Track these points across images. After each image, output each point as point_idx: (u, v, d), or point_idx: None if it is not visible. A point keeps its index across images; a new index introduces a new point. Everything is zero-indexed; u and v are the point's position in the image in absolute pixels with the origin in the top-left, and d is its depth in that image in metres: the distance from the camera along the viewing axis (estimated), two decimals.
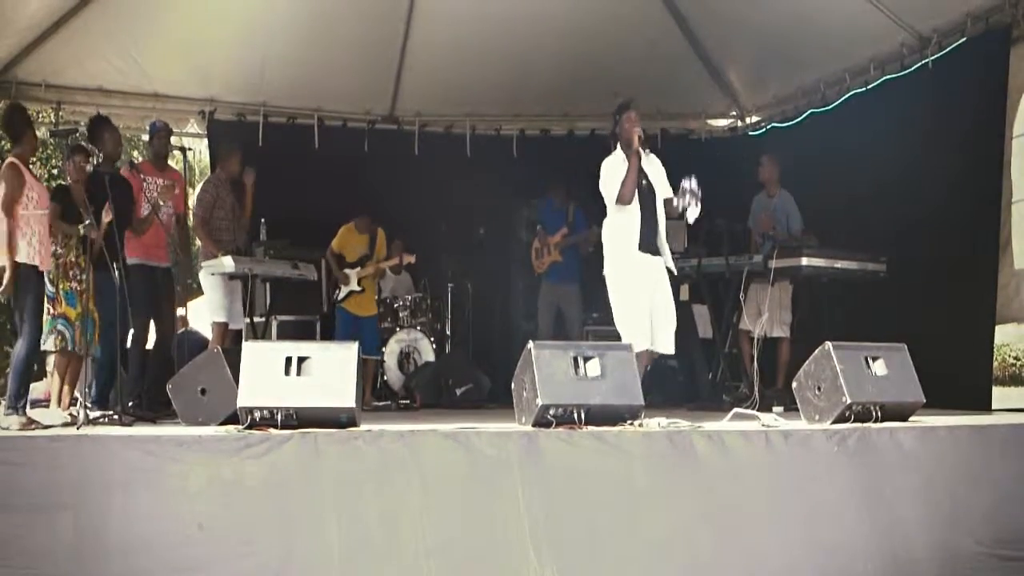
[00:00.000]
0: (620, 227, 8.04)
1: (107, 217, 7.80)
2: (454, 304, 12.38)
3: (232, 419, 6.29)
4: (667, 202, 8.12)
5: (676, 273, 8.28)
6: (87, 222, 7.49)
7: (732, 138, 13.36)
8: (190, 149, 9.35)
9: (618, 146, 8.23)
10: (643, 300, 7.95)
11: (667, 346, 8.03)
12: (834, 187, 10.61)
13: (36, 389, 8.64)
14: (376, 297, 11.21)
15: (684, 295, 10.35)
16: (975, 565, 6.33)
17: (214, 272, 9.33)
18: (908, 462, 6.37)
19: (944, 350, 8.78)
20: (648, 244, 8.02)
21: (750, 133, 13.11)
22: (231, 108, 12.38)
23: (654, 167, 8.23)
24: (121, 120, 11.49)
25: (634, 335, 7.81)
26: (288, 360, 6.21)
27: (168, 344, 8.94)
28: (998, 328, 9.52)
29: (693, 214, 7.80)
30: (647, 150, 8.22)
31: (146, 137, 10.34)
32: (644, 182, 8.07)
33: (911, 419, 6.92)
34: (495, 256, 12.25)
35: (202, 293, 9.77)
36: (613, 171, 8.06)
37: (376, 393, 11.16)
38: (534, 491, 5.82)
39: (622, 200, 7.95)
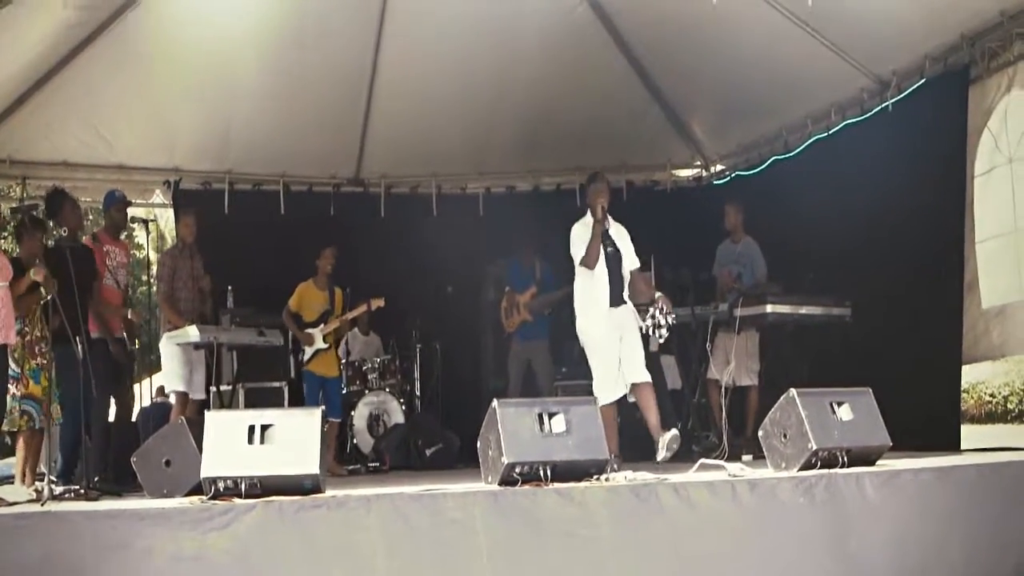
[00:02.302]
0: (589, 287, 8.47)
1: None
2: (423, 364, 12.36)
3: (197, 490, 6.22)
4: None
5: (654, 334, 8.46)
6: (47, 298, 7.49)
7: (697, 187, 13.44)
8: (153, 220, 9.36)
9: (588, 212, 8.60)
10: (613, 350, 8.33)
11: (640, 375, 8.34)
12: (799, 232, 10.66)
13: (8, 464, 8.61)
14: (342, 359, 11.17)
15: (653, 346, 10.36)
16: None
17: (179, 342, 9.30)
18: (875, 509, 6.34)
19: (912, 391, 8.84)
20: (616, 300, 8.44)
21: (715, 182, 13.19)
22: (196, 177, 12.43)
23: (620, 233, 8.66)
24: (87, 192, 11.54)
25: (607, 384, 8.26)
26: (251, 428, 6.18)
27: (129, 416, 8.90)
28: (972, 367, 9.57)
29: (655, 341, 8.44)
30: (611, 219, 8.61)
31: None
32: (610, 249, 8.50)
33: (878, 463, 6.91)
34: (463, 315, 12.24)
35: None
36: (579, 236, 8.53)
37: (346, 457, 11.09)
38: (499, 553, 5.78)
39: (587, 264, 8.42)
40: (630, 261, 8.59)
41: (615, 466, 7.63)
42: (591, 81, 11.66)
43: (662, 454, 8.04)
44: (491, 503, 5.94)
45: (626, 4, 10.70)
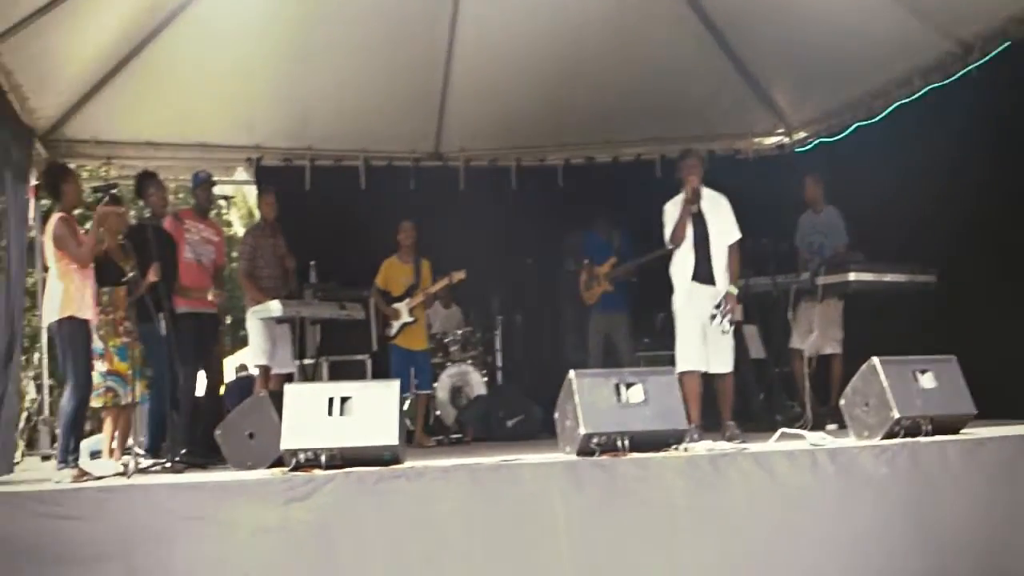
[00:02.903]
0: (677, 263, 8.57)
1: (152, 277, 7.91)
2: (504, 336, 12.41)
3: (280, 462, 6.32)
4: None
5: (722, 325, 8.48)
6: (130, 275, 7.62)
7: (780, 155, 13.26)
8: (232, 198, 9.45)
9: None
10: (696, 323, 8.36)
11: (722, 366, 8.40)
12: (883, 198, 10.50)
13: (99, 441, 8.77)
14: (427, 332, 11.24)
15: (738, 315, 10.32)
16: None
17: (262, 317, 9.41)
18: (958, 478, 6.26)
19: (1001, 358, 8.67)
20: (701, 275, 8.46)
21: (797, 150, 13.01)
22: (277, 154, 12.53)
23: (716, 207, 8.64)
24: (171, 171, 11.69)
25: (687, 355, 8.35)
26: (331, 400, 6.26)
27: (217, 390, 9.02)
28: None
29: (723, 326, 8.38)
30: (706, 192, 8.62)
31: None
32: (700, 227, 8.52)
33: (963, 431, 6.81)
34: (544, 286, 12.22)
35: None
36: (670, 215, 8.62)
37: (429, 429, 11.13)
38: (575, 524, 5.81)
39: (673, 242, 8.54)
40: (725, 235, 8.57)
41: (696, 436, 7.67)
42: (670, 50, 11.55)
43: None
44: (568, 473, 5.97)
45: None
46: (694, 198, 8.47)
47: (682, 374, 8.14)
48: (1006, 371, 8.58)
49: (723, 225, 8.58)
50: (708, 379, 8.40)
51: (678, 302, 8.52)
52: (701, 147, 12.28)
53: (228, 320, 15.27)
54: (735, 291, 8.45)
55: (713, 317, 8.28)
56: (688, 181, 8.49)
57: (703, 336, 8.35)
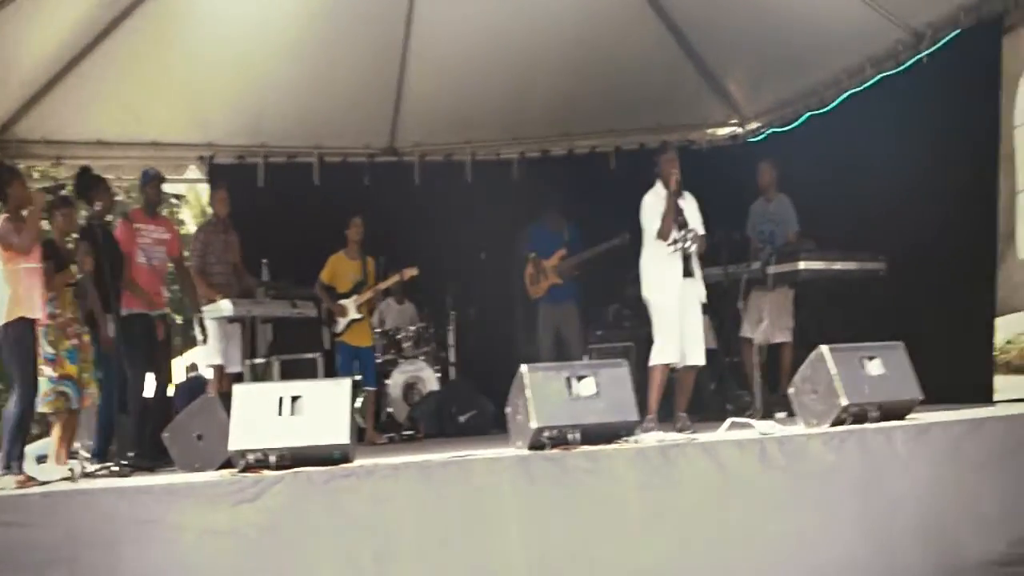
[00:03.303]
0: (662, 259, 8.57)
1: (87, 267, 7.85)
2: (458, 332, 12.36)
3: (229, 463, 6.28)
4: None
5: (705, 301, 8.70)
6: (79, 277, 7.57)
7: (733, 146, 13.30)
8: (183, 196, 9.41)
9: (658, 182, 8.72)
10: (677, 320, 8.48)
11: (700, 358, 8.57)
12: (834, 187, 10.56)
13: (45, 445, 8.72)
14: (377, 329, 11.19)
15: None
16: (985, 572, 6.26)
17: (213, 316, 9.37)
18: (906, 463, 6.32)
19: (946, 344, 8.77)
20: (687, 270, 8.57)
21: (750, 140, 13.06)
22: (230, 151, 12.45)
23: (690, 205, 8.75)
24: (122, 171, 11.62)
25: (666, 348, 8.43)
26: (280, 400, 6.23)
27: (166, 391, 8.97)
28: (1015, 317, 9.46)
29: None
30: (683, 192, 8.73)
31: None
32: (680, 218, 8.58)
33: (909, 417, 6.87)
34: (498, 281, 12.19)
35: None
36: (652, 207, 8.64)
37: (380, 426, 11.09)
38: (527, 518, 5.82)
39: (662, 236, 8.53)
40: (696, 228, 8.67)
41: (651, 425, 7.71)
42: (625, 42, 11.57)
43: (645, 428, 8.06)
44: (519, 468, 5.97)
45: None
46: (679, 190, 8.55)
47: (655, 366, 8.38)
48: (952, 356, 8.67)
49: (697, 223, 8.69)
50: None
51: (663, 299, 8.53)
52: (655, 138, 12.43)
53: (179, 320, 15.21)
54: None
55: (675, 242, 8.41)
56: (671, 174, 8.56)
57: (683, 331, 8.43)
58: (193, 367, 10.02)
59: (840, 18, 10.21)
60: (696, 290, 8.61)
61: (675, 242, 8.41)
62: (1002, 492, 6.39)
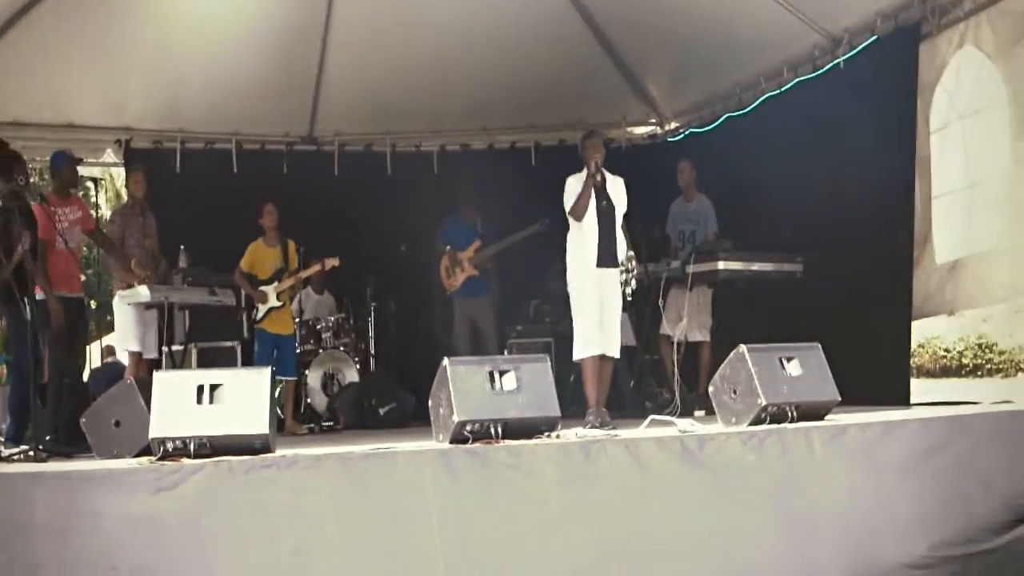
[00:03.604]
0: (579, 243, 8.53)
1: (25, 245, 7.71)
2: (377, 323, 12.33)
3: (147, 451, 6.19)
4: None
5: (626, 290, 8.52)
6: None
7: (652, 145, 13.45)
8: (101, 179, 9.25)
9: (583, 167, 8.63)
10: (595, 308, 8.41)
11: (611, 349, 8.45)
12: (752, 188, 10.70)
13: None
14: (296, 317, 11.12)
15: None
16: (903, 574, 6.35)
17: (130, 302, 9.25)
18: (823, 464, 6.39)
19: (864, 346, 8.95)
20: (605, 259, 8.44)
21: (669, 140, 13.20)
22: (148, 136, 12.31)
23: (616, 188, 8.67)
24: (38, 152, 11.39)
25: (586, 340, 8.40)
26: (200, 388, 6.15)
27: (80, 376, 8.83)
28: (928, 321, 9.66)
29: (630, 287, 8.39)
30: (611, 174, 8.67)
31: None
32: (604, 202, 8.53)
33: (827, 418, 6.96)
34: (417, 273, 12.19)
35: None
36: (572, 188, 8.57)
37: (300, 416, 11.06)
38: (448, 511, 5.79)
39: (574, 214, 8.48)
40: (622, 211, 8.64)
41: (599, 421, 7.89)
42: (546, 39, 11.60)
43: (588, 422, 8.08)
44: (441, 461, 5.94)
45: None
46: (597, 170, 8.48)
47: (583, 359, 8.35)
48: (869, 359, 8.82)
49: (623, 207, 8.64)
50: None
51: (577, 285, 8.51)
52: (575, 135, 12.46)
53: (94, 304, 14.99)
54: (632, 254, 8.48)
55: (624, 284, 8.30)
56: (593, 156, 8.51)
57: (600, 321, 8.38)
58: (110, 351, 9.88)
59: (758, 21, 10.33)
60: (614, 281, 8.46)
61: (625, 283, 8.33)
62: (918, 495, 6.47)
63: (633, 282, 8.32)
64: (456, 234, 11.08)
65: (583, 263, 8.46)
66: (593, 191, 8.46)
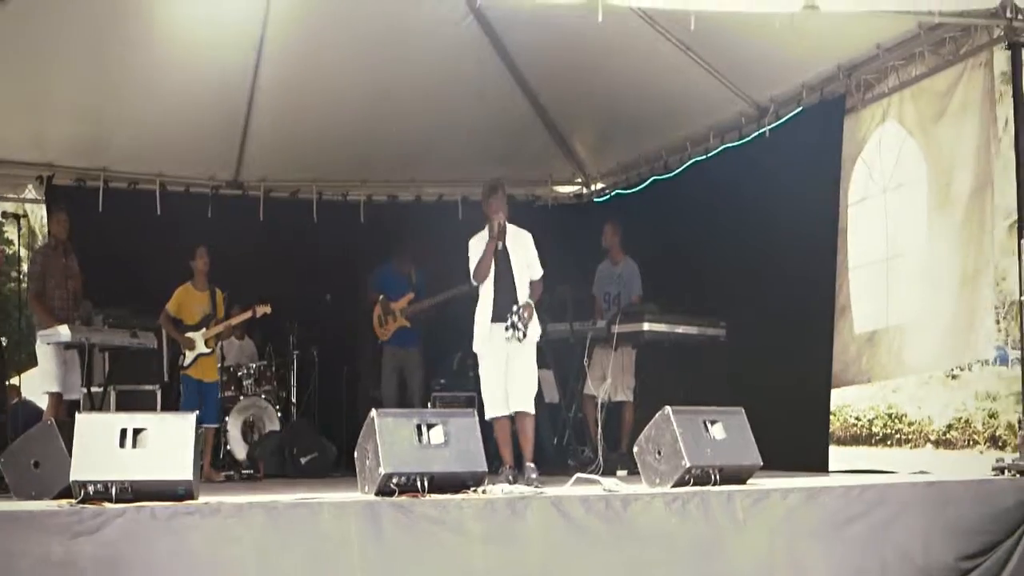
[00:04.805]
0: (481, 300, 8.41)
1: None
2: (299, 372, 12.24)
3: (66, 493, 6.10)
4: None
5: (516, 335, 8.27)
6: None
7: (578, 204, 13.55)
8: (24, 216, 9.12)
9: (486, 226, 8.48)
10: (496, 368, 8.27)
11: (521, 404, 8.23)
12: (677, 251, 10.85)
13: None
14: (218, 363, 11.01)
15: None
16: None
17: (49, 342, 9.12)
18: (744, 527, 6.46)
19: (784, 412, 9.03)
20: (501, 314, 8.25)
21: (595, 200, 13.29)
22: (70, 173, 12.10)
23: (519, 243, 8.50)
24: None
25: (490, 400, 8.28)
26: (123, 432, 6.08)
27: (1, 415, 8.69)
28: (841, 390, 9.81)
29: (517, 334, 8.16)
30: (516, 227, 8.52)
31: None
32: (502, 265, 8.36)
33: (749, 482, 7.04)
34: (342, 323, 12.15)
35: (36, 364, 9.52)
36: (475, 250, 8.45)
37: (219, 464, 10.91)
38: (372, 564, 5.78)
39: (476, 277, 8.38)
40: (529, 272, 8.45)
41: (511, 477, 7.79)
42: (475, 95, 11.62)
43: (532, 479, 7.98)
44: (367, 513, 5.93)
45: (513, 21, 10.65)
46: (500, 235, 8.31)
47: (493, 420, 8.22)
48: (789, 425, 8.93)
49: (527, 261, 8.46)
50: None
51: (478, 344, 8.38)
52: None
53: (3, 341, 14.71)
54: (532, 302, 8.31)
55: (509, 328, 8.10)
56: (495, 217, 8.32)
57: (503, 377, 8.24)
58: (15, 391, 9.76)
59: (686, 87, 10.44)
60: (518, 337, 8.21)
61: (511, 327, 8.11)
62: (836, 563, 6.58)
63: (522, 327, 8.10)
64: (388, 284, 11.10)
65: (482, 320, 8.36)
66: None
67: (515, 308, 8.16)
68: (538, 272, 8.51)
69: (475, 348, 8.44)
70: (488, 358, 8.32)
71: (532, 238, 8.58)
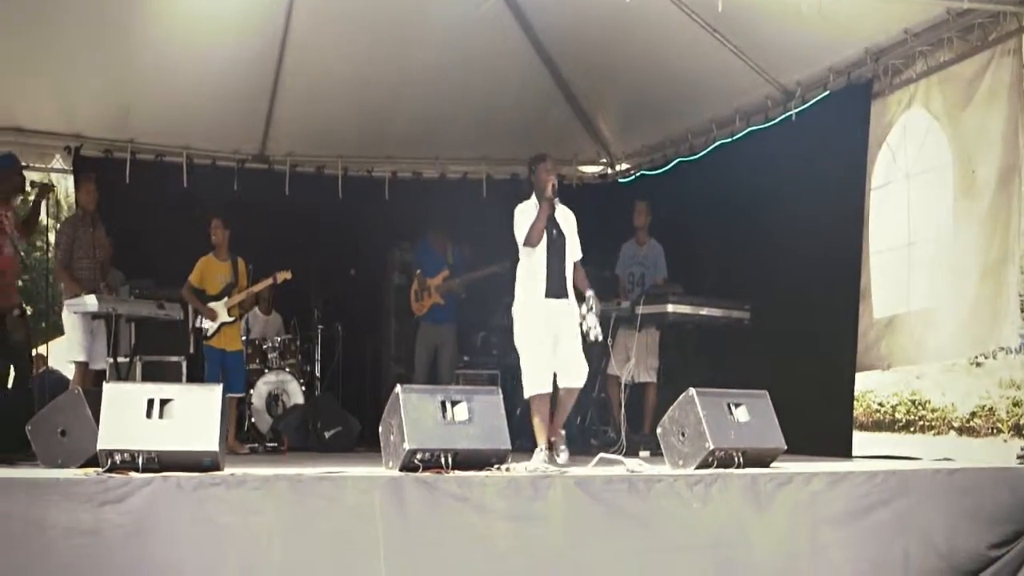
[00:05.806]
0: (528, 273, 8.21)
1: None
2: (324, 346, 12.26)
3: (92, 462, 6.12)
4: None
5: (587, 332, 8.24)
6: None
7: (602, 184, 13.52)
8: (54, 186, 9.13)
9: (532, 194, 8.36)
10: (544, 344, 8.09)
11: (572, 380, 8.14)
12: (702, 234, 10.84)
13: None
14: (243, 336, 11.03)
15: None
16: None
17: (76, 311, 9.16)
18: (767, 510, 6.46)
19: (808, 396, 9.01)
20: (555, 289, 8.18)
21: (620, 180, 13.26)
22: (98, 144, 12.14)
23: (567, 220, 8.43)
24: None
25: (533, 378, 8.06)
26: (150, 402, 6.12)
27: (26, 384, 8.72)
28: (862, 375, 9.77)
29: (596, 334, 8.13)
30: (559, 202, 8.39)
31: None
32: (555, 231, 8.26)
33: (772, 465, 7.04)
34: (366, 298, 12.18)
35: (62, 333, 9.56)
36: (524, 216, 8.23)
37: (243, 436, 10.94)
38: (395, 539, 5.79)
39: (529, 242, 8.13)
40: (574, 251, 8.35)
41: (548, 458, 7.76)
42: (500, 73, 11.61)
43: (562, 456, 8.03)
44: (390, 488, 5.94)
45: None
46: (555, 193, 8.18)
47: (533, 397, 8.04)
48: (814, 409, 8.92)
49: (574, 239, 8.38)
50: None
51: (524, 318, 8.15)
52: (526, 170, 12.49)
53: (29, 311, 14.78)
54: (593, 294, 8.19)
55: (588, 327, 8.04)
56: (548, 180, 8.16)
57: (551, 355, 8.07)
58: (43, 360, 9.79)
59: (713, 69, 10.39)
60: (566, 312, 8.14)
61: (591, 329, 8.05)
62: (858, 549, 6.57)
63: (596, 325, 8.07)
64: (426, 260, 11.17)
65: (532, 294, 8.12)
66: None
67: (589, 303, 8.11)
68: (579, 252, 8.41)
69: (521, 323, 8.19)
70: (538, 333, 8.10)
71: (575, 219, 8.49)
